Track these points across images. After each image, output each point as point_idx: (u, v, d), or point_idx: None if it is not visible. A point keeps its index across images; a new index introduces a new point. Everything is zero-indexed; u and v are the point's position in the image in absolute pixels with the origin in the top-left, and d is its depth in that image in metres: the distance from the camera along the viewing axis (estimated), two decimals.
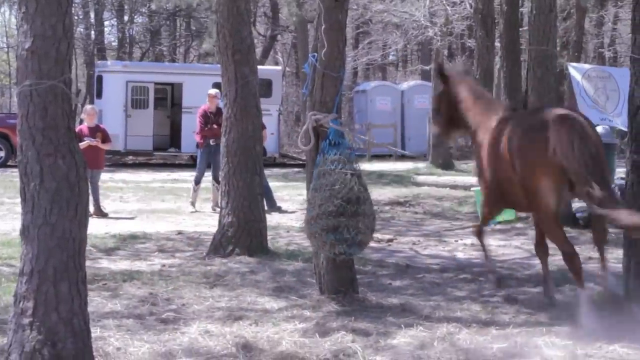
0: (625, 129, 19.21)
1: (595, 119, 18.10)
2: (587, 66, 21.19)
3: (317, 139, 9.16)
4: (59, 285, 6.36)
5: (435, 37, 31.10)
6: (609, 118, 17.95)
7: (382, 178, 26.28)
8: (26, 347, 6.30)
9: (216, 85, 18.86)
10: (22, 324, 6.35)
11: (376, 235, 13.01)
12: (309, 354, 7.18)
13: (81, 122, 18.28)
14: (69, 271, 6.40)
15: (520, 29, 22.41)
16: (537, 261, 12.16)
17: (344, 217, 8.68)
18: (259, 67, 14.91)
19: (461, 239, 14.44)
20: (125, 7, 45.75)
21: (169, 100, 34.26)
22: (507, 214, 16.40)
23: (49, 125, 6.40)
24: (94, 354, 6.70)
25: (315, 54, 9.18)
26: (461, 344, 7.44)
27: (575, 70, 18.46)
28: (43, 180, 6.37)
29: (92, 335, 6.79)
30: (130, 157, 34.16)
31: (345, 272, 9.35)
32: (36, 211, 6.38)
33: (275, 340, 7.57)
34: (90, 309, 6.99)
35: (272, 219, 15.06)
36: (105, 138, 17.24)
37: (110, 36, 49.97)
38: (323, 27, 9.03)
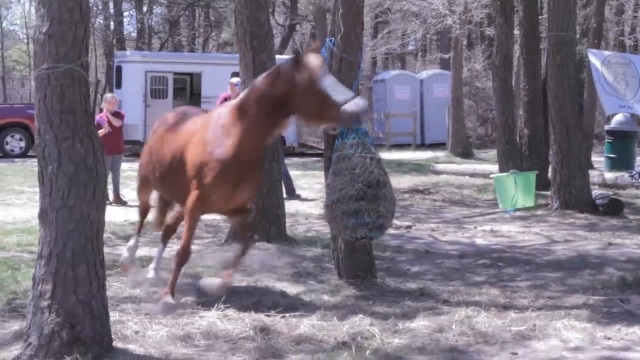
0: None
1: (613, 107, 18.07)
2: (606, 53, 21.09)
3: None
4: (77, 268, 6.39)
5: (454, 25, 30.99)
6: (628, 105, 17.86)
7: (401, 167, 26.26)
8: (45, 329, 6.34)
9: (236, 75, 18.83)
10: (40, 307, 6.38)
11: (395, 221, 13.03)
12: (327, 336, 7.18)
13: (101, 110, 18.34)
14: (87, 254, 6.43)
15: (540, 16, 22.32)
16: (556, 247, 12.20)
17: (365, 201, 8.64)
18: (278, 56, 14.85)
19: (480, 226, 14.40)
20: None
21: (188, 90, 34.26)
22: (527, 201, 16.40)
23: (66, 109, 6.43)
24: (112, 337, 6.73)
25: (333, 39, 9.16)
26: (479, 327, 7.42)
27: (595, 57, 18.37)
28: (61, 164, 6.40)
29: (111, 319, 6.82)
30: None
31: (364, 257, 9.35)
32: (54, 194, 6.41)
33: (294, 323, 7.57)
34: (109, 293, 7.03)
35: (290, 206, 15.04)
36: (119, 117, 17.31)
37: (129, 27, 50.06)
38: (340, 11, 9.02)
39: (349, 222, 8.71)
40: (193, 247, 11.69)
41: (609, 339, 7.12)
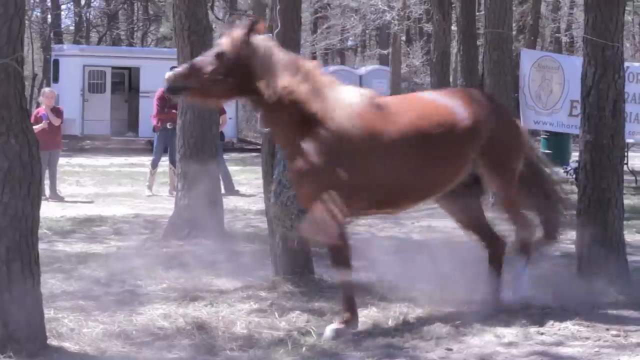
0: (559, 131, 19.70)
1: (529, 122, 18.69)
2: (540, 53, 21.44)
3: None
4: (11, 265, 6.33)
5: (393, 21, 31.16)
6: (542, 121, 18.39)
7: None
8: None
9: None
10: None
11: None
12: (264, 333, 7.20)
13: (38, 105, 18.18)
14: (21, 251, 6.37)
15: (477, 13, 22.51)
16: None
17: None
18: None
19: (418, 222, 14.47)
20: None
21: (126, 84, 34.05)
22: None
23: (1, 104, 6.36)
24: (47, 334, 6.68)
25: (271, 34, 9.15)
26: (415, 323, 7.48)
27: (527, 57, 18.71)
28: None
29: (46, 316, 6.76)
30: (87, 141, 33.90)
31: (301, 253, 9.34)
32: None
33: (231, 320, 7.57)
34: (44, 290, 6.96)
35: (229, 202, 15.02)
36: (58, 114, 17.20)
37: (67, 20, 49.55)
38: (278, 7, 9.03)
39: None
40: (130, 244, 11.73)
41: (542, 334, 7.22)
